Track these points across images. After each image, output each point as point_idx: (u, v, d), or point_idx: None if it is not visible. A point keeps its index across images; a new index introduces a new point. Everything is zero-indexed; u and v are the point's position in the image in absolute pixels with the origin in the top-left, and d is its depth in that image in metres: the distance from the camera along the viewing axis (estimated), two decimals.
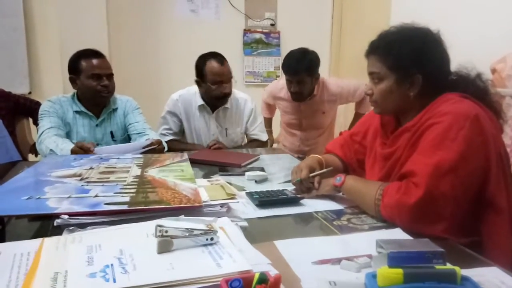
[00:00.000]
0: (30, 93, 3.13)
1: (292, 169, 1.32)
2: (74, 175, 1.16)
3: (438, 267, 0.68)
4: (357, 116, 2.57)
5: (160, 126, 2.26)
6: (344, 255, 0.80)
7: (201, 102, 2.21)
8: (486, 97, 1.10)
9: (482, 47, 2.03)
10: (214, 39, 3.66)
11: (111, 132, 1.99)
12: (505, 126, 1.17)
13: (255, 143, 2.40)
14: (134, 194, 0.98)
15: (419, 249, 0.72)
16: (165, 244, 0.70)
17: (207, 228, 0.75)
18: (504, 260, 0.93)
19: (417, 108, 1.11)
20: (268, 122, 2.85)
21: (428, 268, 0.67)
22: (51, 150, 1.68)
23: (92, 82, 1.87)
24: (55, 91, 2.59)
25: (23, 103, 2.46)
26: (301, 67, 2.23)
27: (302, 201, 1.18)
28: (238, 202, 1.04)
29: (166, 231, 0.71)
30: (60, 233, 0.81)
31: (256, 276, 0.58)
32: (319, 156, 1.37)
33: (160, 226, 0.71)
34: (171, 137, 2.24)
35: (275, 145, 2.83)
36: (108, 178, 1.14)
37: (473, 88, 1.10)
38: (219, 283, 0.59)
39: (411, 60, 1.08)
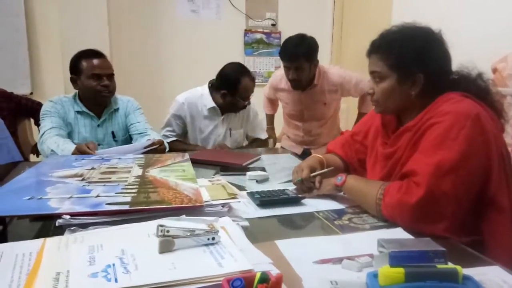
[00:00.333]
0: (31, 93, 3.13)
1: (293, 169, 1.32)
2: (75, 175, 1.16)
3: (439, 266, 0.68)
4: (360, 115, 2.54)
5: (163, 128, 2.28)
6: (346, 255, 0.80)
7: (212, 104, 2.21)
8: (487, 97, 1.10)
9: (483, 47, 2.03)
10: (215, 39, 3.67)
11: (113, 132, 1.99)
12: (506, 126, 1.16)
13: (256, 142, 2.41)
14: (135, 194, 0.98)
15: (420, 249, 0.72)
16: (167, 244, 0.70)
17: (209, 228, 0.75)
18: (506, 259, 0.93)
19: (418, 108, 1.11)
20: (270, 119, 2.82)
21: (429, 267, 0.67)
22: (52, 150, 1.68)
23: (92, 82, 1.87)
24: (56, 92, 2.60)
25: (25, 104, 2.46)
26: (299, 52, 2.17)
27: (303, 201, 1.18)
28: (239, 202, 1.04)
29: (168, 231, 0.71)
30: (61, 233, 0.81)
31: (258, 275, 0.58)
32: (320, 156, 1.37)
33: (161, 226, 0.72)
34: (173, 139, 2.25)
35: (278, 145, 2.80)
36: (110, 178, 1.14)
37: (474, 87, 1.10)
38: (220, 282, 0.59)
39: (413, 59, 1.08)
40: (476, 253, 0.87)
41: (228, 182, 1.21)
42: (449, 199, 0.95)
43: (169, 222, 0.76)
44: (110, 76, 1.92)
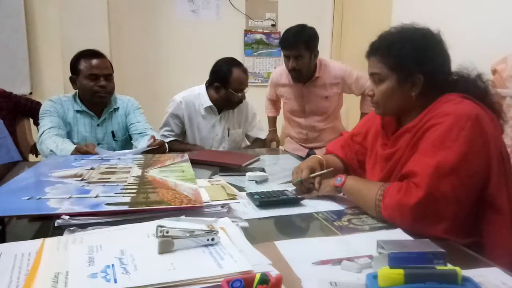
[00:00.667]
0: (31, 93, 3.13)
1: (293, 169, 1.32)
2: (74, 176, 1.16)
3: (439, 267, 0.69)
4: (363, 116, 2.54)
5: (161, 128, 2.27)
6: (345, 256, 0.80)
7: (208, 103, 2.21)
8: (486, 98, 1.10)
9: (482, 48, 2.03)
10: (215, 39, 3.67)
11: (112, 132, 1.99)
12: (505, 127, 1.17)
13: (257, 143, 2.41)
14: (135, 195, 0.98)
15: (419, 250, 0.72)
16: (166, 245, 0.70)
17: (208, 229, 0.75)
18: (505, 260, 0.93)
19: (418, 109, 1.11)
20: (272, 122, 2.79)
21: (429, 269, 0.67)
22: (51, 150, 1.68)
23: (90, 82, 1.87)
24: (56, 91, 2.60)
25: (24, 104, 2.46)
26: (299, 40, 2.16)
27: (302, 202, 1.18)
28: (238, 202, 1.04)
29: (167, 232, 0.71)
30: (61, 234, 0.81)
31: (258, 276, 0.58)
32: (319, 157, 1.37)
33: (161, 226, 0.72)
34: (172, 139, 2.25)
35: (281, 148, 2.78)
36: (109, 178, 1.14)
37: (474, 88, 1.10)
38: (220, 283, 0.59)
39: (412, 60, 1.08)
40: (475, 254, 0.87)
41: (228, 182, 1.21)
42: (449, 200, 0.95)
43: (168, 223, 0.76)
44: (108, 76, 1.91)
